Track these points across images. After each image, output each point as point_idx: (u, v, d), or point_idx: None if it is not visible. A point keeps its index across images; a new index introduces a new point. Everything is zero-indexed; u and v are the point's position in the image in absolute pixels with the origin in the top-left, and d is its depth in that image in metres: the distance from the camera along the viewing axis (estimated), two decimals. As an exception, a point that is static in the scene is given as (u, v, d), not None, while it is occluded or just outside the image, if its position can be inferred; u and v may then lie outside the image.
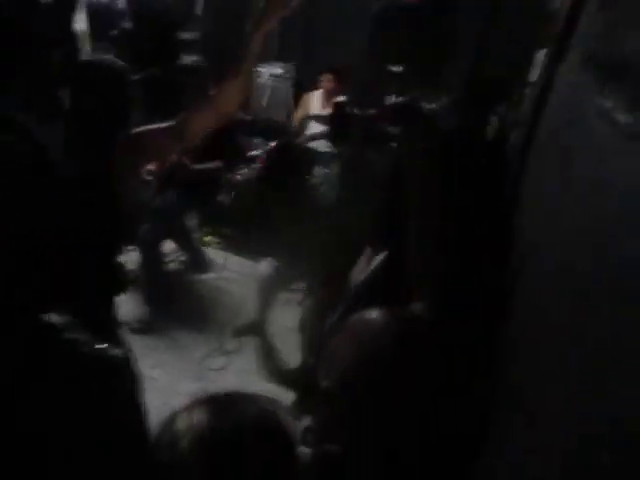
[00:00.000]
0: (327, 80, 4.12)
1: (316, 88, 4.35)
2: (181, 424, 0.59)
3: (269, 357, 3.11)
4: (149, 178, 3.35)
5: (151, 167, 3.35)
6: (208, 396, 0.63)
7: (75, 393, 0.81)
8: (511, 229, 0.99)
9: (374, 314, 0.97)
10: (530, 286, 0.85)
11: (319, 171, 2.78)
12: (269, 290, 3.17)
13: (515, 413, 0.79)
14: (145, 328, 3.14)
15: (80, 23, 2.87)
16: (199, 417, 0.59)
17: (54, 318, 0.83)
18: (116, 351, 0.89)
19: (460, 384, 0.96)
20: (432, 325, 0.94)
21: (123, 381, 0.89)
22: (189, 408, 0.60)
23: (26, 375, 0.78)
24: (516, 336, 0.86)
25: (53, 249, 0.82)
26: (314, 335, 2.78)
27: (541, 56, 1.27)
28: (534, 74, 1.27)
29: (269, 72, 4.23)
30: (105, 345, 0.86)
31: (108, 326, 1.73)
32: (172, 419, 0.60)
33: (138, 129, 1.65)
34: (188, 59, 3.20)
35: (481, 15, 4.34)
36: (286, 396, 2.70)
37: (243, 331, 3.26)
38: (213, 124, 1.61)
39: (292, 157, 2.68)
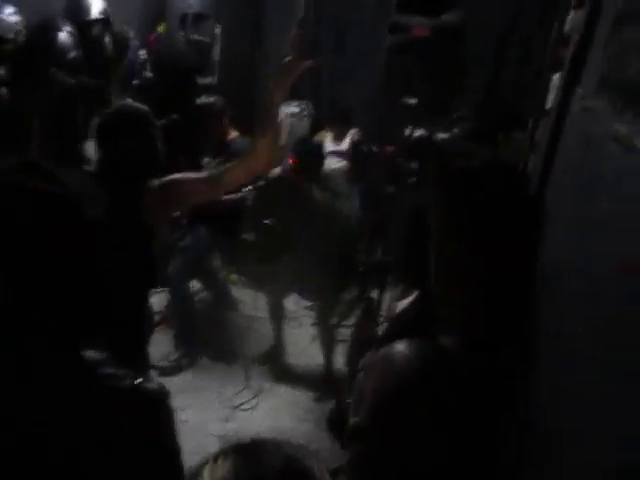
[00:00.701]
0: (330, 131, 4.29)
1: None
2: (208, 476, 0.58)
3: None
4: (177, 215, 3.40)
5: None
6: (234, 445, 0.62)
7: (113, 427, 0.81)
8: (534, 259, 0.97)
9: (399, 347, 0.96)
10: (553, 315, 0.83)
11: (336, 204, 2.82)
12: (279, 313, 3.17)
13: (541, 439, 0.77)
14: (174, 368, 3.14)
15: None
16: (225, 469, 0.59)
17: (92, 353, 0.84)
18: (153, 386, 0.89)
19: (488, 415, 0.93)
20: (459, 356, 0.92)
21: (161, 416, 0.89)
22: (215, 459, 0.60)
23: (65, 409, 0.79)
24: (544, 364, 0.84)
25: (88, 289, 0.83)
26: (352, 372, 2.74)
27: (556, 81, 1.27)
28: (550, 100, 1.26)
29: (286, 111, 4.32)
30: (142, 380, 0.87)
31: (140, 365, 1.75)
32: (198, 471, 0.59)
33: (173, 176, 1.68)
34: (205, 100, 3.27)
35: (490, 45, 4.39)
36: (318, 436, 2.66)
37: (266, 358, 3.28)
38: (249, 176, 1.67)
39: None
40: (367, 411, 0.93)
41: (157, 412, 0.88)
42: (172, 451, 0.90)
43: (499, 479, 0.99)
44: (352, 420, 0.95)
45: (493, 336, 0.95)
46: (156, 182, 1.66)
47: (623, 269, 0.53)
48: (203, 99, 3.28)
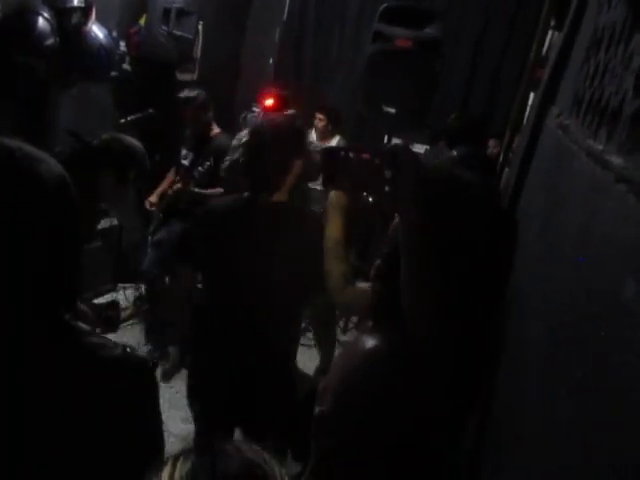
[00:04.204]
0: (319, 119, 4.23)
1: (309, 127, 4.44)
2: (166, 477, 0.57)
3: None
4: (152, 209, 3.34)
5: (153, 199, 3.35)
6: (191, 448, 0.61)
7: (100, 395, 0.79)
8: (503, 272, 0.98)
9: (363, 337, 0.98)
10: (516, 330, 0.84)
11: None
12: None
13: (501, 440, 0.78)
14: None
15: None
16: (184, 471, 0.57)
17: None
18: (143, 355, 0.90)
19: (445, 412, 0.95)
20: (420, 352, 0.92)
21: (149, 386, 0.89)
22: (175, 460, 0.58)
23: (54, 376, 0.77)
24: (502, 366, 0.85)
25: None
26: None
27: (532, 99, 1.30)
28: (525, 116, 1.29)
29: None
30: (130, 349, 0.87)
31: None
32: (157, 471, 0.58)
33: None
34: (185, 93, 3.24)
35: (467, 60, 4.47)
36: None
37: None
38: None
39: None
40: (332, 397, 0.94)
41: (146, 381, 0.88)
42: (155, 422, 0.91)
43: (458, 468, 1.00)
44: (317, 409, 0.95)
45: (457, 340, 0.96)
46: None
47: (589, 283, 0.54)
48: (186, 92, 3.24)
